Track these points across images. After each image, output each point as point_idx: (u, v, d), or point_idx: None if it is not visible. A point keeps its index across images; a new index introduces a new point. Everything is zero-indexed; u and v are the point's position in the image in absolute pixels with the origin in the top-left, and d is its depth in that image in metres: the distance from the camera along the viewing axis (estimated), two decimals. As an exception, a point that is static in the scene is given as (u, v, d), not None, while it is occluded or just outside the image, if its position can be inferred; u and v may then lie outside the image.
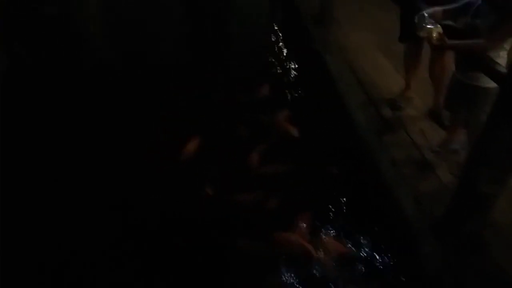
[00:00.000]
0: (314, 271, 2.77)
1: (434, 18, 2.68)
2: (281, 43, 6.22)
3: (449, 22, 2.77)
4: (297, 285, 2.70)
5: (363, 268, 2.85)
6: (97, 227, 3.04)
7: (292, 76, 5.35)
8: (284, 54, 5.91)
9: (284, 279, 2.72)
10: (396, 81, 4.19)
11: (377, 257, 2.91)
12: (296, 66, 5.56)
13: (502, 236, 2.57)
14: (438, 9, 2.76)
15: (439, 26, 2.60)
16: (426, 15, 2.67)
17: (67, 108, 4.37)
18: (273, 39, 6.37)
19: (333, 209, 3.25)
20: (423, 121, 3.63)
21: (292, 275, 2.74)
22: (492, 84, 2.55)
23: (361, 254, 2.94)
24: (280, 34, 6.51)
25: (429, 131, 3.50)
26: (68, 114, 4.29)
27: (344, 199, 3.37)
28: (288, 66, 5.57)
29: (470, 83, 2.75)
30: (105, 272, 2.74)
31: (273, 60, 5.70)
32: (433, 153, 3.22)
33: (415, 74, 3.84)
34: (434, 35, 2.61)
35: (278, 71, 5.45)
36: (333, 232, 3.06)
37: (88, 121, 4.18)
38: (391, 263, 2.84)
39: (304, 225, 3.02)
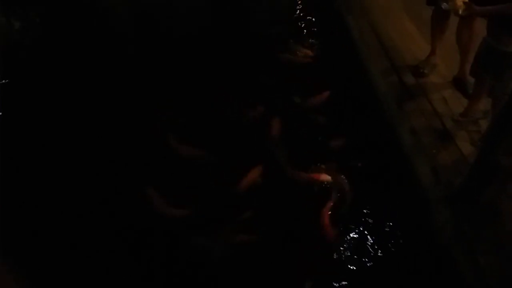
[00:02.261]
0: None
1: None
2: (301, 4, 5.99)
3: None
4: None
5: (377, 234, 2.91)
6: (97, 223, 3.01)
7: (312, 38, 5.19)
8: (305, 15, 5.72)
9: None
10: (421, 47, 4.03)
11: (392, 224, 2.94)
12: (317, 28, 5.38)
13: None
14: None
15: None
16: None
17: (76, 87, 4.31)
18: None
19: (351, 175, 3.26)
20: (446, 89, 3.53)
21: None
22: (523, 51, 2.45)
23: (376, 220, 2.98)
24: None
25: (452, 100, 3.40)
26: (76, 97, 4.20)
27: (362, 165, 3.38)
28: (308, 28, 5.40)
29: (501, 49, 2.66)
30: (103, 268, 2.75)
31: (294, 20, 5.55)
32: (454, 122, 3.15)
33: (442, 39, 3.68)
34: (459, 5, 2.50)
35: (298, 31, 5.29)
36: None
37: (96, 111, 4.04)
38: (406, 230, 2.87)
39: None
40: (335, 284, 2.64)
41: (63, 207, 3.07)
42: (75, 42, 4.87)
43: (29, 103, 4.06)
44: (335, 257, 2.78)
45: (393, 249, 2.81)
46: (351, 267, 2.73)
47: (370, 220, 2.99)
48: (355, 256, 2.78)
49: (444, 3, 2.61)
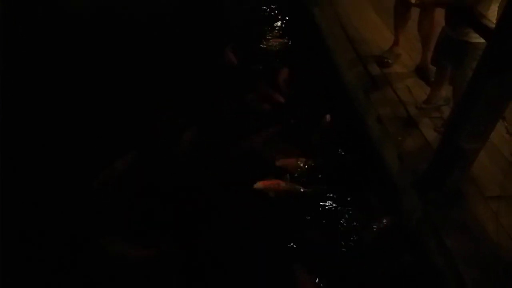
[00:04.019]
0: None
1: None
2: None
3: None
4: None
5: (347, 221, 2.97)
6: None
7: (279, 31, 5.21)
8: (272, 8, 5.73)
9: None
10: (385, 37, 4.12)
11: (361, 209, 3.01)
12: (284, 21, 5.41)
13: (481, 189, 2.66)
14: None
15: None
16: None
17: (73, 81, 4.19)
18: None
19: (320, 163, 3.33)
20: (410, 78, 3.62)
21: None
22: (480, 40, 2.54)
23: (345, 207, 3.04)
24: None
25: (415, 88, 3.50)
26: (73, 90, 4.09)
27: (331, 155, 3.45)
28: (275, 21, 5.41)
29: (459, 38, 2.74)
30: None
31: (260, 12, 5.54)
32: (418, 110, 3.24)
33: (404, 29, 3.78)
34: None
35: (264, 23, 5.30)
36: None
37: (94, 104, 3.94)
38: (375, 215, 2.94)
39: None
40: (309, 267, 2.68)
41: (59, 207, 3.00)
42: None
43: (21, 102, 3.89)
44: (307, 242, 2.83)
45: (363, 234, 2.88)
46: (323, 252, 2.79)
47: (341, 206, 3.05)
48: (327, 241, 2.84)
49: None
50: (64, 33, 4.80)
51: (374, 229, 2.86)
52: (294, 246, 2.81)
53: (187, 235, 2.89)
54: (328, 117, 3.76)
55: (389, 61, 3.78)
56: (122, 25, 4.97)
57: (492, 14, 2.53)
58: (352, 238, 2.86)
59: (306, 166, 3.30)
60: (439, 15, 3.19)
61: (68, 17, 5.24)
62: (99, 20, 5.19)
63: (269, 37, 4.96)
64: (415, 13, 3.55)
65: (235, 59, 4.39)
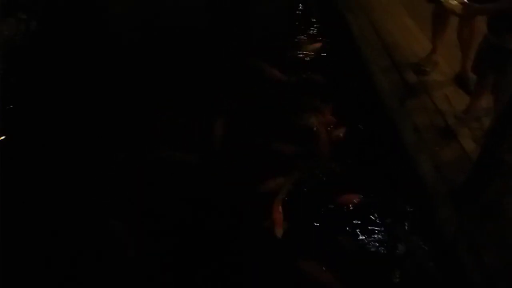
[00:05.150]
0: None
1: None
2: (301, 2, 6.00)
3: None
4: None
5: (381, 230, 2.92)
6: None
7: (312, 37, 5.19)
8: (304, 12, 5.72)
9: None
10: (422, 44, 4.05)
11: (395, 221, 2.96)
12: (317, 26, 5.39)
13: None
14: None
15: None
16: None
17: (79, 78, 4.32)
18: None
19: (353, 173, 3.28)
20: (448, 87, 3.54)
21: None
22: (525, 49, 2.46)
23: (379, 218, 2.99)
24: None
25: (454, 97, 3.41)
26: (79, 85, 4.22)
27: (366, 163, 3.39)
28: (308, 27, 5.40)
29: (502, 46, 2.66)
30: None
31: (293, 20, 5.55)
32: (457, 120, 3.16)
33: (443, 36, 3.69)
34: (454, 4, 2.51)
35: (297, 32, 5.30)
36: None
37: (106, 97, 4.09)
38: (409, 227, 2.89)
39: None
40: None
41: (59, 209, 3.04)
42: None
43: (23, 101, 4.05)
44: (339, 250, 2.79)
45: (397, 245, 2.82)
46: (355, 263, 2.73)
47: (374, 217, 3.00)
48: (360, 251, 2.80)
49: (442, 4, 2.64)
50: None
51: (407, 239, 2.80)
52: (324, 252, 2.79)
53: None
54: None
55: (427, 69, 3.70)
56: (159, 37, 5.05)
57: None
58: (383, 248, 2.82)
59: (336, 174, 3.26)
60: (480, 22, 3.11)
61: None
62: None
63: (303, 43, 4.94)
64: (454, 19, 3.47)
65: (282, 74, 3.97)
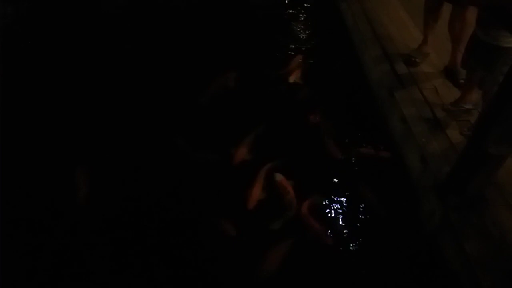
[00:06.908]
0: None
1: None
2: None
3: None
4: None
5: (366, 220, 2.96)
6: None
7: (303, 25, 5.16)
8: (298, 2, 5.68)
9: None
10: (413, 35, 4.05)
11: (380, 209, 2.99)
12: (309, 14, 5.35)
13: (506, 197, 2.61)
14: None
15: None
16: None
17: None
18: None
19: (340, 161, 3.32)
20: (437, 78, 3.55)
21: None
22: (512, 45, 2.48)
23: (365, 206, 3.03)
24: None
25: (443, 89, 3.43)
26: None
27: (352, 153, 3.42)
28: (300, 14, 5.36)
29: (491, 42, 2.67)
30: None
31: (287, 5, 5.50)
32: (445, 112, 3.18)
33: (434, 29, 3.70)
34: None
35: (291, 18, 5.26)
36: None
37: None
38: (394, 217, 2.93)
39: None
40: (324, 269, 2.69)
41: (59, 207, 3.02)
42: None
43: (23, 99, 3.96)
44: (323, 244, 2.80)
45: (381, 236, 2.86)
46: (340, 254, 2.77)
47: (360, 206, 3.04)
48: (344, 242, 2.83)
49: None
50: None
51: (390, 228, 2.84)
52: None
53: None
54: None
55: (417, 60, 3.71)
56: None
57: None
58: (366, 238, 2.85)
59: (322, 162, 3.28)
60: (471, 15, 3.11)
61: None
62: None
63: (295, 32, 4.92)
64: (446, 12, 3.47)
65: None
